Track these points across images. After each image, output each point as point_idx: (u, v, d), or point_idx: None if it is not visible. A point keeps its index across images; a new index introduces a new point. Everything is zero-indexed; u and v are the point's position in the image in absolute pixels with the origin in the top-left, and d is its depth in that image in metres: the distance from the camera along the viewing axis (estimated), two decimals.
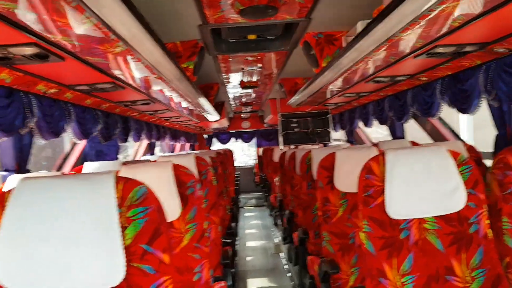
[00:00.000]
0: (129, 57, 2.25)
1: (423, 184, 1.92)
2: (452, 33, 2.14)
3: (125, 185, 1.32)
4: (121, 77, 2.77)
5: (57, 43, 1.83)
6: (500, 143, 2.98)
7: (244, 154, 17.37)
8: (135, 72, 2.68)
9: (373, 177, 1.95)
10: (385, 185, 1.92)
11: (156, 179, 2.27)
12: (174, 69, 2.83)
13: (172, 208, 2.24)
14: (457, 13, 1.83)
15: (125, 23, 1.76)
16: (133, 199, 1.31)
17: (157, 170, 2.31)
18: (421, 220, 1.93)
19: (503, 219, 1.94)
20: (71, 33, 1.71)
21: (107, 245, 1.25)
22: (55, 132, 3.11)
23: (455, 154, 1.97)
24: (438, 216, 1.93)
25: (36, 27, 1.62)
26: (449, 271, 1.91)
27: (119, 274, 1.25)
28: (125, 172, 2.30)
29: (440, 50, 2.48)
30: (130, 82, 2.95)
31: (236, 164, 12.51)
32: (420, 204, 1.92)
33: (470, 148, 3.16)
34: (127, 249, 1.29)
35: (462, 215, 1.93)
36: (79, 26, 1.63)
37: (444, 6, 1.70)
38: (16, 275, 1.23)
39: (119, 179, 1.33)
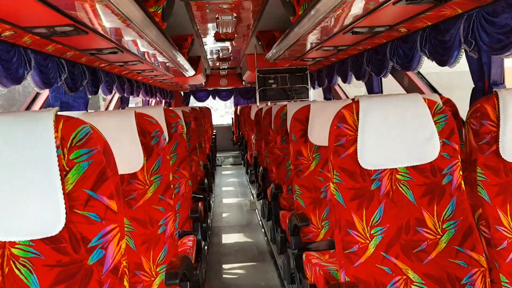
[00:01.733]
0: None
1: (396, 133, 1.83)
2: None
3: (65, 124, 1.18)
4: (83, 19, 2.57)
5: None
6: (477, 95, 2.91)
7: (227, 112, 17.26)
8: (98, 14, 2.48)
9: (345, 126, 1.85)
10: (358, 134, 1.83)
11: (117, 127, 2.14)
12: (139, 11, 2.63)
13: (134, 158, 2.12)
14: None
15: None
16: (75, 140, 1.18)
17: (118, 119, 2.17)
18: (394, 171, 1.86)
19: (478, 170, 1.88)
20: None
21: (45, 190, 1.12)
22: (15, 79, 2.92)
23: (431, 103, 1.89)
24: (410, 167, 1.86)
25: None
26: (420, 223, 1.85)
27: (59, 222, 1.13)
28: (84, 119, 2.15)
29: None
30: (93, 25, 2.75)
31: (215, 122, 12.37)
32: (393, 154, 1.83)
33: (447, 101, 3.09)
34: (69, 194, 1.17)
35: (435, 165, 1.86)
36: None
37: None
38: None
39: (59, 118, 1.19)
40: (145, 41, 3.42)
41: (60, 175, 1.14)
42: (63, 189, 1.14)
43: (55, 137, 1.15)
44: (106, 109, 6.81)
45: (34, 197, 1.12)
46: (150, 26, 3.02)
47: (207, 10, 4.18)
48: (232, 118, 12.66)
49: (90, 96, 4.67)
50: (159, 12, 3.26)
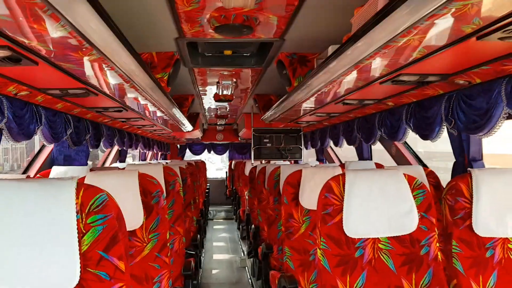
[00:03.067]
0: (102, 65, 2.28)
1: (379, 205, 2.00)
2: (415, 63, 2.26)
3: (85, 192, 1.35)
4: (94, 83, 2.79)
5: (30, 48, 1.85)
6: (458, 170, 3.12)
7: (225, 166, 17.37)
8: (109, 80, 2.70)
9: (332, 196, 2.02)
10: (344, 204, 2.00)
11: (121, 187, 2.29)
12: (147, 79, 2.86)
13: (135, 217, 2.26)
14: (419, 45, 1.94)
15: (98, 33, 1.79)
16: (93, 206, 1.34)
17: (122, 178, 2.33)
18: (376, 240, 2.01)
19: (453, 242, 2.04)
20: (45, 39, 1.73)
21: (63, 250, 1.27)
22: (26, 134, 3.09)
23: (410, 179, 2.07)
24: (392, 237, 2.02)
25: (10, 31, 1.64)
26: None
27: (74, 278, 1.27)
28: (90, 179, 2.31)
29: (404, 78, 2.60)
30: (103, 89, 2.96)
31: (209, 175, 12.50)
32: (375, 224, 2.00)
33: (430, 173, 3.28)
34: (84, 254, 1.32)
35: (414, 237, 2.02)
36: (53, 33, 1.66)
37: (406, 38, 1.80)
38: None
39: (80, 186, 1.36)
40: (150, 102, 3.65)
41: (78, 236, 1.29)
42: (79, 249, 1.29)
43: (76, 203, 1.32)
44: (105, 161, 6.97)
45: (54, 255, 1.27)
46: (156, 90, 3.25)
47: (209, 76, 4.47)
48: (226, 173, 12.81)
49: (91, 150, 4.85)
50: (165, 78, 3.51)
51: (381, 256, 2.01)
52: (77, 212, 1.31)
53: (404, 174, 2.08)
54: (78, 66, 2.26)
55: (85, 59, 2.11)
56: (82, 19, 1.60)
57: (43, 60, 2.06)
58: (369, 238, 2.01)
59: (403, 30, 1.69)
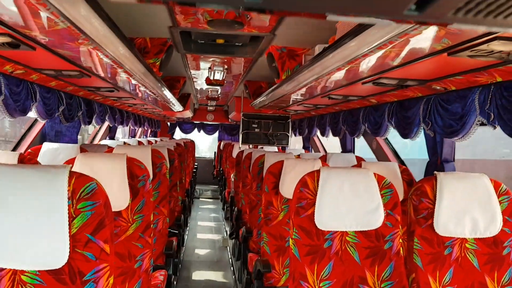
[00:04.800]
0: (96, 51, 2.38)
1: (349, 201, 2.16)
2: (394, 69, 2.39)
3: (77, 180, 1.48)
4: (87, 67, 2.88)
5: (28, 35, 1.95)
6: (430, 169, 3.29)
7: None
8: (102, 65, 2.80)
9: (306, 190, 2.17)
10: (316, 199, 2.15)
11: (109, 170, 2.42)
12: (139, 64, 2.96)
13: (121, 199, 2.39)
14: (396, 56, 2.07)
15: (90, 22, 1.89)
16: (83, 193, 1.48)
17: (111, 162, 2.45)
18: (344, 233, 2.18)
19: (415, 239, 2.21)
20: (42, 28, 1.84)
21: (54, 232, 1.41)
22: (22, 110, 3.19)
23: (380, 178, 2.23)
24: (358, 231, 2.18)
25: (11, 21, 1.74)
26: (362, 281, 2.16)
27: (63, 257, 1.42)
28: (81, 162, 2.43)
29: (384, 81, 2.74)
30: (97, 72, 3.06)
31: (197, 154, 12.62)
32: (344, 219, 2.16)
33: (405, 170, 3.45)
34: (73, 236, 1.46)
35: (380, 232, 2.19)
36: (49, 23, 1.76)
37: (384, 50, 1.93)
38: None
39: (72, 174, 1.49)
40: (141, 85, 3.74)
41: (68, 220, 1.43)
42: (69, 231, 1.43)
43: (68, 190, 1.45)
44: (94, 136, 7.06)
45: (45, 236, 1.41)
46: (148, 75, 3.35)
47: (201, 61, 4.56)
48: (215, 153, 12.94)
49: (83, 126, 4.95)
50: (157, 63, 3.61)
51: (348, 248, 2.18)
52: (68, 198, 1.45)
53: (374, 174, 2.23)
54: (73, 52, 2.36)
55: (79, 46, 2.21)
56: (73, 10, 1.70)
57: (40, 46, 2.16)
58: (338, 231, 2.17)
59: (381, 43, 1.82)
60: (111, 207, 1.56)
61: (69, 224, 1.44)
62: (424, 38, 1.70)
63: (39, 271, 1.44)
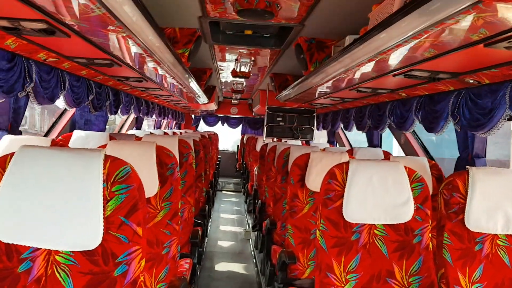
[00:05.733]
0: (128, 40, 2.41)
1: (378, 194, 2.14)
2: (426, 61, 2.35)
3: (111, 163, 1.51)
4: (119, 55, 2.92)
5: (64, 22, 1.99)
6: (461, 164, 3.23)
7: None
8: (133, 53, 2.84)
9: (335, 182, 2.16)
10: (345, 191, 2.14)
11: (139, 157, 2.45)
12: (169, 54, 2.99)
13: (150, 185, 2.42)
14: (430, 47, 2.03)
15: (124, 9, 1.92)
16: (118, 177, 1.50)
17: (141, 150, 2.48)
18: (372, 226, 2.16)
19: (445, 234, 2.17)
20: (78, 15, 1.87)
21: (89, 214, 1.44)
22: (50, 98, 3.25)
23: (410, 171, 2.20)
24: (387, 224, 2.16)
25: (48, 7, 1.78)
26: (390, 274, 2.14)
27: (97, 239, 1.44)
28: (112, 148, 2.47)
29: (416, 73, 2.69)
30: (127, 61, 3.10)
31: (220, 147, 12.70)
32: (373, 211, 2.14)
33: (434, 166, 3.39)
34: (107, 218, 1.48)
35: (409, 226, 2.16)
36: (85, 10, 1.79)
37: (418, 40, 1.89)
38: (9, 231, 1.43)
39: (107, 158, 1.51)
40: (169, 75, 3.78)
41: (103, 203, 1.46)
42: (104, 214, 1.46)
43: (103, 173, 1.48)
44: (122, 127, 7.17)
45: (80, 217, 1.44)
46: (177, 65, 3.38)
47: (228, 52, 4.58)
48: (238, 146, 12.99)
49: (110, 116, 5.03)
50: (186, 54, 3.63)
51: (376, 241, 2.16)
52: (103, 181, 1.48)
53: (405, 167, 2.20)
54: (106, 39, 2.40)
55: (112, 34, 2.24)
56: None
57: (74, 33, 2.20)
58: (366, 223, 2.15)
59: (415, 33, 1.79)
60: (144, 191, 1.58)
61: (104, 207, 1.46)
62: (461, 28, 1.66)
63: (73, 252, 1.47)
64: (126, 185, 1.50)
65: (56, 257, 1.48)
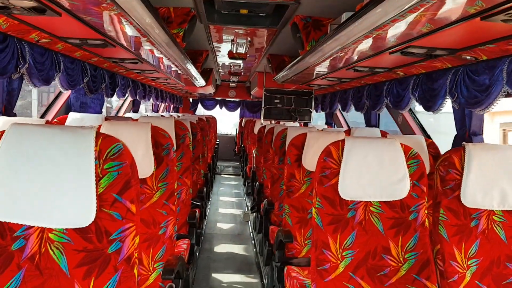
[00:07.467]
0: (121, 19, 2.37)
1: (374, 171, 2.13)
2: (424, 36, 2.32)
3: (103, 140, 1.50)
4: (112, 36, 2.89)
5: (54, 0, 1.95)
6: (458, 142, 3.22)
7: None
8: (126, 33, 2.80)
9: (330, 160, 2.15)
10: (340, 169, 2.13)
11: (134, 137, 2.44)
12: (164, 34, 2.95)
13: (146, 166, 2.41)
14: (426, 21, 2.00)
15: None
16: (110, 154, 1.49)
17: (136, 130, 2.47)
18: (368, 203, 2.16)
19: (441, 211, 2.17)
20: None
21: (82, 191, 1.43)
22: (45, 79, 3.23)
23: (406, 148, 2.18)
24: (383, 201, 2.16)
25: None
26: (386, 251, 2.15)
27: (90, 216, 1.44)
28: (106, 128, 2.45)
29: (413, 50, 2.66)
30: (121, 41, 3.06)
31: (220, 131, 12.68)
32: (368, 188, 2.13)
33: (431, 144, 3.38)
34: (100, 196, 1.47)
35: (405, 203, 2.16)
36: None
37: (414, 14, 1.86)
38: (2, 209, 1.42)
39: (99, 135, 1.50)
40: (165, 56, 3.74)
41: (95, 180, 1.45)
42: (96, 191, 1.45)
43: (95, 150, 1.47)
44: (118, 110, 7.14)
45: (73, 195, 1.43)
46: (171, 45, 3.34)
47: (224, 33, 4.53)
48: (236, 129, 12.97)
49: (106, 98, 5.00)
50: (180, 34, 3.59)
51: (372, 218, 2.16)
52: (95, 158, 1.46)
53: (401, 144, 2.19)
54: (98, 18, 2.36)
55: (105, 12, 2.20)
56: None
57: (65, 11, 2.16)
58: (362, 201, 2.15)
59: (411, 6, 1.76)
60: (137, 168, 1.57)
61: (96, 184, 1.45)
62: (457, 0, 1.63)
63: (66, 229, 1.47)
64: (119, 162, 1.49)
65: (50, 234, 1.48)
